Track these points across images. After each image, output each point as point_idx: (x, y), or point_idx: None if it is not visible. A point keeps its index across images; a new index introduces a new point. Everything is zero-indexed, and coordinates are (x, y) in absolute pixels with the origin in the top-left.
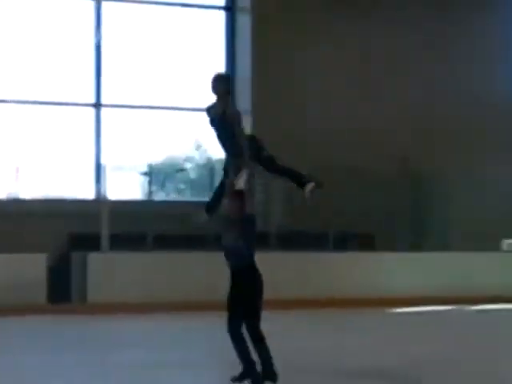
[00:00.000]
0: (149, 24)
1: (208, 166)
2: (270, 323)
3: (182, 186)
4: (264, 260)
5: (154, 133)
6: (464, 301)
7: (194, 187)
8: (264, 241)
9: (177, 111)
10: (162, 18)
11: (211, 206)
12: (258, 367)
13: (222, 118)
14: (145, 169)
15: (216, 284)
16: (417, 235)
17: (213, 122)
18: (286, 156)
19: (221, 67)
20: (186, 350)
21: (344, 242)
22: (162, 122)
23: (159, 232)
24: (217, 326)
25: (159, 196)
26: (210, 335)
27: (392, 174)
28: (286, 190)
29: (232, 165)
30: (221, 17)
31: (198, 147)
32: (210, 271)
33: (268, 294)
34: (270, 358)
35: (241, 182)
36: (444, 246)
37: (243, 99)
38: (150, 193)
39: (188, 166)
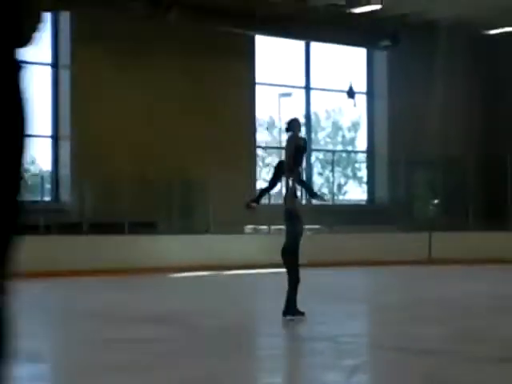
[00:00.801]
0: None
1: None
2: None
3: None
4: (81, 242)
5: None
6: (219, 268)
7: None
8: (79, 228)
9: None
10: None
11: (259, 199)
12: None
13: (303, 147)
14: None
15: None
16: (186, 222)
17: (300, 149)
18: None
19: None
20: None
21: (137, 228)
22: None
23: None
24: None
25: None
26: None
27: (171, 182)
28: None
29: (292, 177)
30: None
31: None
32: None
33: (87, 265)
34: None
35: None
36: (206, 230)
37: (64, 128)
38: None
39: None
